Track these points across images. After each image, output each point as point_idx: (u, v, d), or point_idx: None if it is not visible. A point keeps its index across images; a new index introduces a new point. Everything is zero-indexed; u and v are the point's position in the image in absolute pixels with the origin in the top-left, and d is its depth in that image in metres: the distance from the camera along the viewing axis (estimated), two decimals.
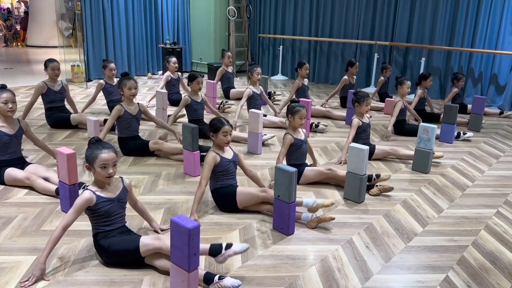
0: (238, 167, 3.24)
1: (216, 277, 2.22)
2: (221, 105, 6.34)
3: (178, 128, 5.05)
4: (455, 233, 3.00)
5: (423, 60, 7.75)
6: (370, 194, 3.54)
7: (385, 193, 3.58)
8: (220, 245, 2.33)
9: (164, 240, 2.32)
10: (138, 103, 4.32)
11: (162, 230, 2.84)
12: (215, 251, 2.32)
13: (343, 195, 3.50)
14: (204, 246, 2.31)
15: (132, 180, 3.67)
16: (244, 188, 3.16)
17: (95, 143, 2.41)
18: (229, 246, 2.32)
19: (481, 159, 4.60)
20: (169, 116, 5.41)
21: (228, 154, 3.15)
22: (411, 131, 5.15)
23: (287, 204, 2.83)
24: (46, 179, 3.47)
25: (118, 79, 4.72)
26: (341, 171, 3.63)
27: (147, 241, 2.35)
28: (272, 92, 7.22)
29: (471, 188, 3.82)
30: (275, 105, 6.15)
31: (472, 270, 2.56)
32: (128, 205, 2.60)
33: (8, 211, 3.09)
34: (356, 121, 4.19)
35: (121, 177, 2.57)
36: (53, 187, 3.28)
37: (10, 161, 3.52)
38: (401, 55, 8.34)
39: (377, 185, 3.58)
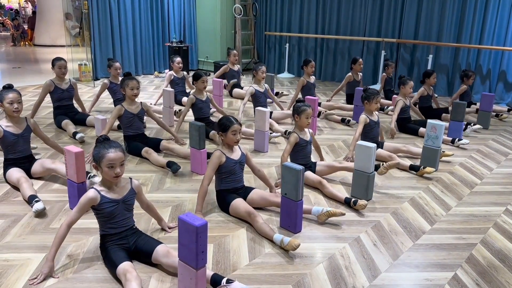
0: (247, 167, 3.23)
1: (224, 280, 2.20)
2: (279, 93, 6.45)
3: (185, 126, 5.06)
4: (464, 231, 2.98)
5: (430, 57, 7.69)
6: (379, 174, 3.54)
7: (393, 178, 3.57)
8: (222, 277, 2.24)
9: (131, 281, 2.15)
10: (141, 102, 4.34)
11: (170, 228, 2.86)
12: (216, 280, 2.23)
13: (350, 193, 3.49)
14: (208, 272, 2.24)
15: (139, 178, 3.69)
16: (238, 202, 3.01)
17: (102, 142, 2.39)
18: (230, 281, 2.20)
19: (490, 157, 4.56)
20: (176, 112, 5.45)
21: (235, 154, 3.12)
22: (412, 131, 5.23)
23: (294, 202, 2.82)
24: (54, 170, 3.54)
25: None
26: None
27: (120, 272, 2.23)
28: (280, 92, 7.21)
29: (480, 186, 3.80)
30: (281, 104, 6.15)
31: (480, 268, 2.54)
32: (136, 204, 2.61)
33: (17, 209, 3.12)
34: (363, 117, 4.17)
35: (130, 178, 2.56)
36: (28, 194, 3.16)
37: (18, 159, 3.54)
38: (408, 52, 8.29)
39: (382, 164, 3.56)
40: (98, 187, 2.40)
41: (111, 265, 2.33)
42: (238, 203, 3.00)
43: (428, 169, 3.88)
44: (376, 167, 3.53)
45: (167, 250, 2.39)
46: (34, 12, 17.77)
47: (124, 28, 8.95)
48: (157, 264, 2.43)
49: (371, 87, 8.13)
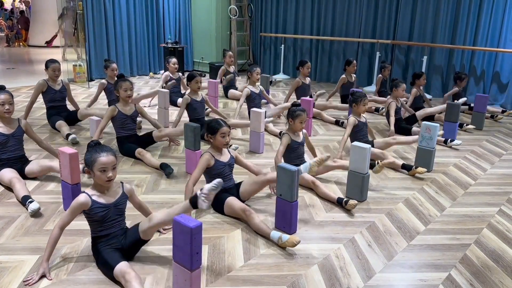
0: (238, 168, 3.24)
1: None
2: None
3: (180, 126, 5.04)
4: (458, 231, 3.00)
5: (425, 58, 7.73)
6: (374, 173, 3.54)
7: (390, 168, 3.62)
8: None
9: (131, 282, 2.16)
10: (135, 104, 4.33)
11: (164, 230, 2.85)
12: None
13: (345, 194, 3.50)
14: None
15: (134, 180, 3.68)
16: (232, 199, 3.03)
17: (94, 147, 2.38)
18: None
19: (484, 158, 4.59)
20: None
21: (224, 157, 3.14)
22: (406, 131, 5.23)
23: (289, 203, 2.83)
24: (51, 168, 3.53)
25: None
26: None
27: (118, 274, 2.22)
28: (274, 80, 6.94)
29: (474, 187, 3.81)
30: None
31: (474, 268, 2.55)
32: (129, 205, 2.60)
33: (11, 210, 3.10)
34: (352, 119, 4.21)
35: (122, 182, 2.55)
36: (21, 195, 3.17)
37: (9, 159, 3.52)
38: (403, 53, 8.32)
39: (378, 162, 3.56)
40: (90, 191, 2.39)
41: (106, 267, 2.32)
42: (232, 201, 3.01)
43: (420, 169, 3.90)
44: (371, 166, 3.54)
45: (147, 218, 2.43)
46: (21, 12, 17.69)
47: (119, 29, 8.92)
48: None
49: (366, 88, 8.22)
